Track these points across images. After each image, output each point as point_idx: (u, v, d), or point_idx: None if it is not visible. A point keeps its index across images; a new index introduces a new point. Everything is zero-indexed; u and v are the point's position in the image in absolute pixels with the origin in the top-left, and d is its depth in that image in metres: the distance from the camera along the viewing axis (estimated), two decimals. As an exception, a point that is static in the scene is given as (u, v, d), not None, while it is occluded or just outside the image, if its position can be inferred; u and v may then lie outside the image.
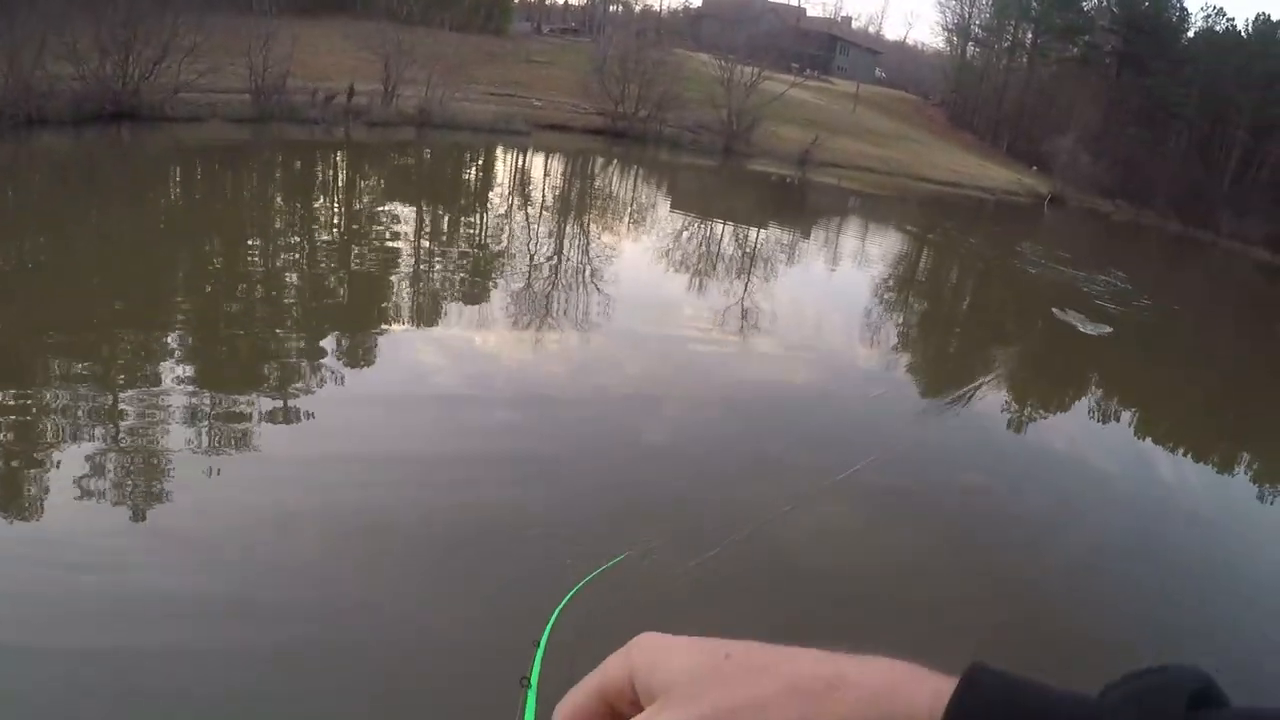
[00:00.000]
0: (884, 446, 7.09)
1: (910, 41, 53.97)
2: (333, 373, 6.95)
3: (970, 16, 49.74)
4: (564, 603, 2.41)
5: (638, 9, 49.30)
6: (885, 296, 14.96)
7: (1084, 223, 42.64)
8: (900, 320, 13.72)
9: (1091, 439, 9.32)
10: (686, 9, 54.68)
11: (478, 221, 15.37)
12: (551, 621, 2.14)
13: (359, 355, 7.60)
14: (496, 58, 38.51)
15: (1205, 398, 12.63)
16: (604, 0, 48.84)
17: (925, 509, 6.45)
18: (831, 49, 50.85)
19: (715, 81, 34.94)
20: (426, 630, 4.17)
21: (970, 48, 50.66)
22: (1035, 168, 45.13)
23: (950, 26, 48.51)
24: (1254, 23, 58.52)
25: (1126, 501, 7.56)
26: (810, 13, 49.55)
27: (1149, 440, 9.77)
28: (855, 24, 53.84)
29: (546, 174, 24.35)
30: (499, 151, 25.80)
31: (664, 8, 55.58)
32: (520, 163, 25.22)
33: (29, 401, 5.87)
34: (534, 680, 1.65)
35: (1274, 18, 58.69)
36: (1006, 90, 48.08)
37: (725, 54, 36.68)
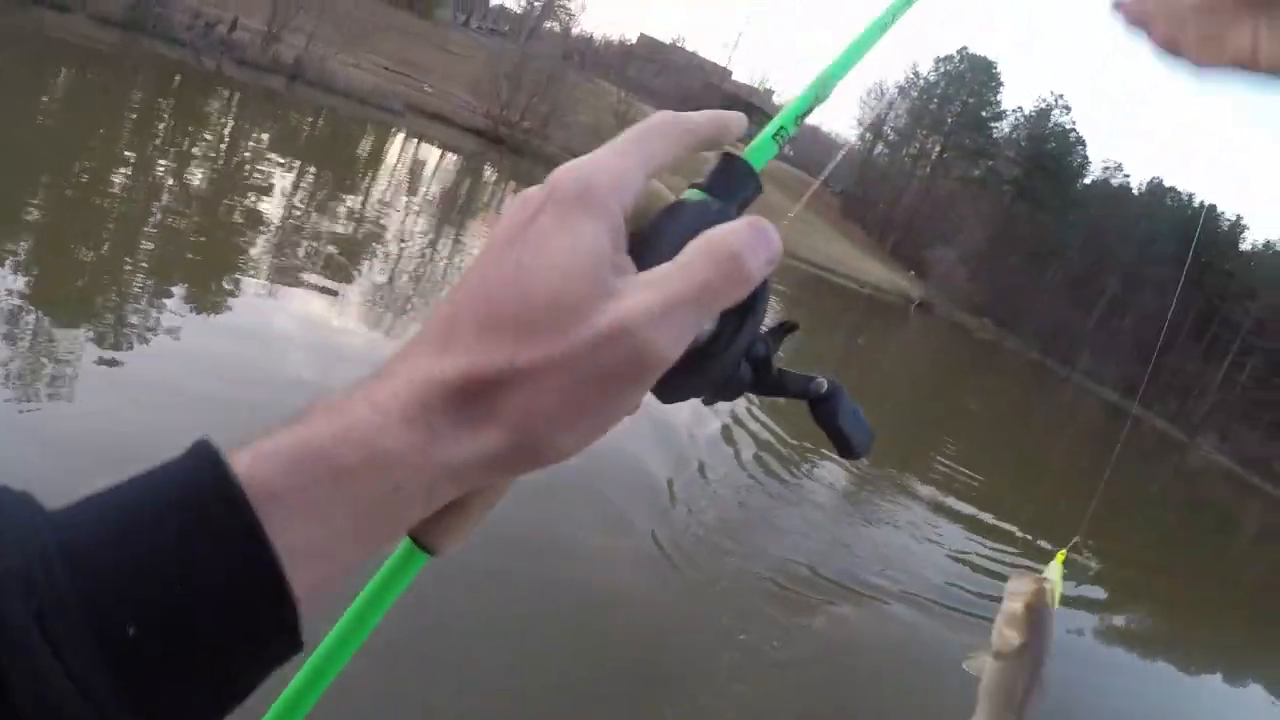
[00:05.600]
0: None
1: (825, 129, 55.73)
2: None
3: (887, 118, 51.67)
4: None
5: (575, 31, 49.87)
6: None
7: (947, 333, 44.20)
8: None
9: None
10: (621, 44, 55.63)
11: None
12: None
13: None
14: (410, 36, 37.52)
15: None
16: (540, 12, 49.25)
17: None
18: (748, 116, 52.08)
19: (609, 111, 35.07)
20: None
21: (880, 147, 52.53)
22: (913, 272, 46.63)
23: (865, 123, 50.31)
24: (1148, 184, 62.53)
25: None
26: (736, 76, 50.81)
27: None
28: (776, 99, 55.44)
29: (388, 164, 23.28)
30: (368, 129, 24.22)
31: (601, 38, 56.41)
32: (374, 145, 23.61)
33: None
34: None
35: (1166, 183, 62.67)
36: (904, 194, 49.85)
37: (642, 93, 36.78)
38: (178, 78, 19.39)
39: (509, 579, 4.68)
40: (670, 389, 0.35)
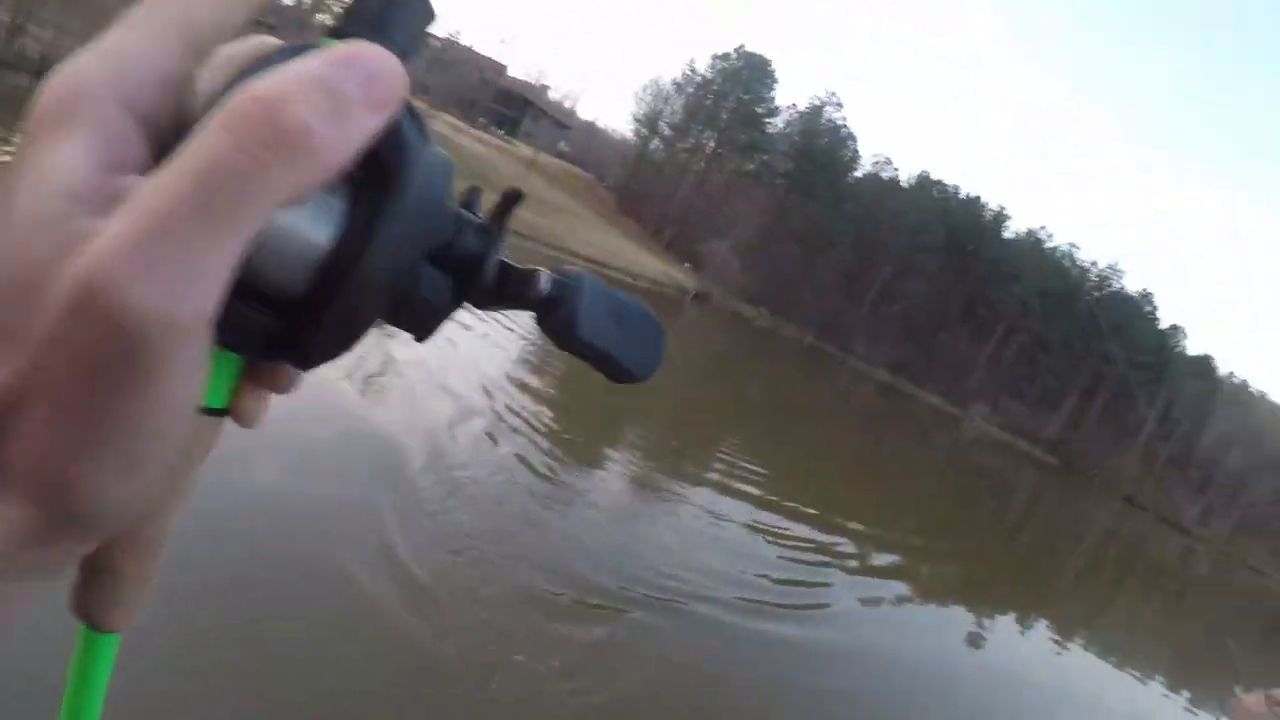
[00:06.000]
0: None
1: (601, 124, 55.93)
2: None
3: (661, 113, 52.08)
4: None
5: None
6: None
7: (725, 322, 44.89)
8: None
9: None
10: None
11: None
12: None
13: None
14: None
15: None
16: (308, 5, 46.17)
17: None
18: (524, 113, 51.27)
19: None
20: None
21: (654, 142, 52.91)
22: (689, 265, 47.04)
23: (641, 118, 50.54)
24: (916, 177, 66.66)
25: None
26: (511, 72, 49.74)
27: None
28: (552, 95, 55.03)
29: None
30: None
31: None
32: None
33: None
34: None
35: (933, 176, 67.06)
36: (679, 188, 50.35)
37: (417, 91, 34.83)
38: None
39: (204, 636, 3.30)
40: (297, 347, 0.23)
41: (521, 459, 6.83)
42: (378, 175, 0.21)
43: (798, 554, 7.83)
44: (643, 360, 0.27)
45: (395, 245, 0.22)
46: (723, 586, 6.12)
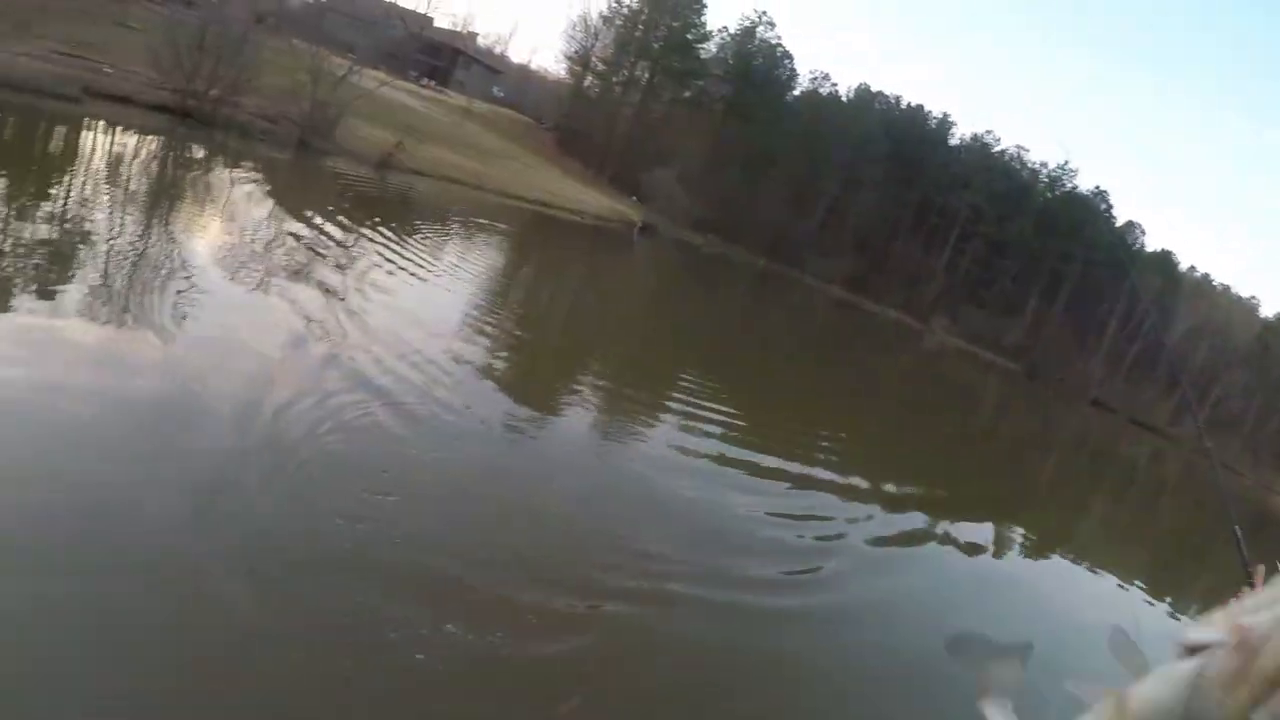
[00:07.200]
0: None
1: (534, 66, 55.11)
2: None
3: (592, 48, 51.51)
4: None
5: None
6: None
7: (674, 251, 45.08)
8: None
9: None
10: (316, 2, 52.10)
11: None
12: None
13: None
14: (87, 16, 33.41)
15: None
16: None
17: None
18: (454, 62, 50.52)
19: (302, 70, 32.41)
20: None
21: (589, 79, 52.41)
22: (635, 198, 47.04)
23: (572, 56, 49.96)
24: (855, 90, 66.59)
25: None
26: (438, 24, 48.83)
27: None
28: (481, 41, 54.19)
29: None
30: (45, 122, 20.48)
31: None
32: (55, 139, 20.01)
33: None
34: None
35: (873, 88, 67.01)
36: (617, 122, 50.06)
37: (342, 50, 33.95)
38: None
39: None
40: None
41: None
42: None
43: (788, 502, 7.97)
44: None
45: None
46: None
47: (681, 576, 5.23)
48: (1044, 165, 69.11)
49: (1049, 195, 69.61)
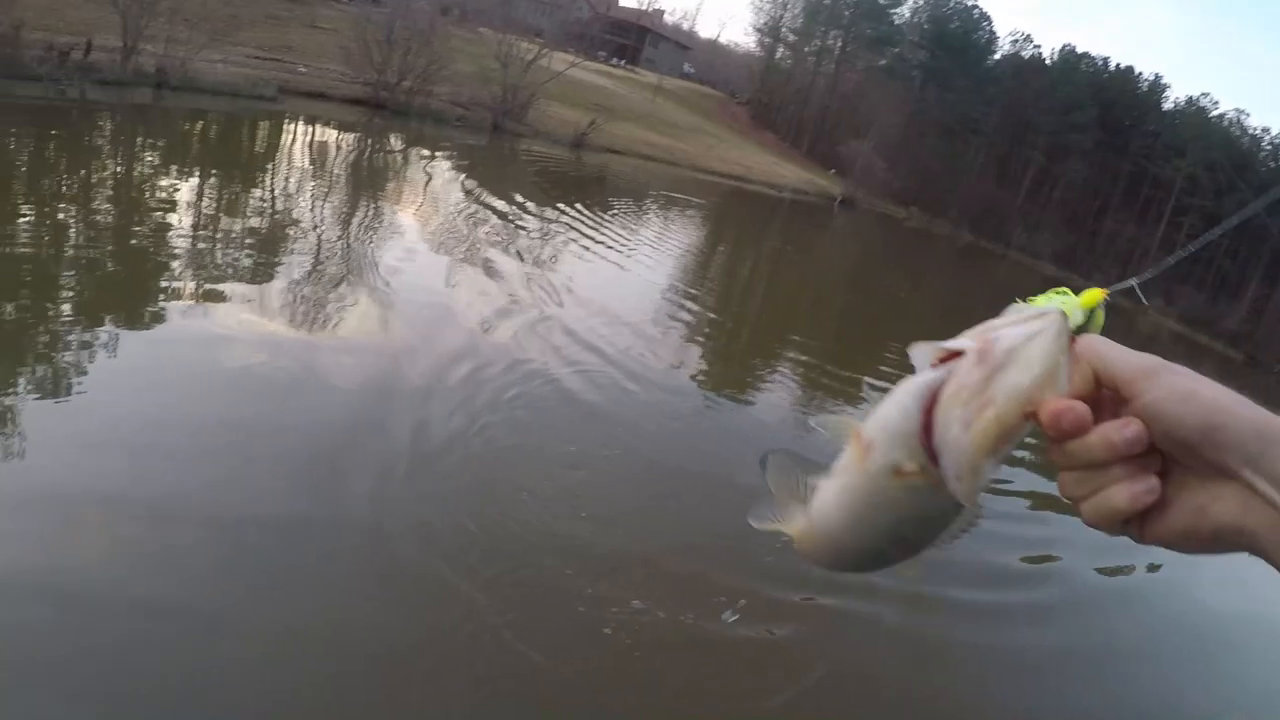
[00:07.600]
0: None
1: (723, 41, 53.76)
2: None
3: (782, 19, 49.81)
4: None
5: (445, -15, 47.13)
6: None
7: (875, 225, 42.89)
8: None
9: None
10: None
11: None
12: None
13: None
14: (280, 21, 35.79)
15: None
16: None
17: None
18: (642, 40, 50.09)
19: (490, 56, 32.98)
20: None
21: (780, 50, 50.70)
22: (833, 170, 45.11)
23: (761, 28, 48.45)
24: (1059, 51, 61.45)
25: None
26: (623, 3, 48.61)
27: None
28: (669, 19, 53.42)
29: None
30: (249, 121, 21.77)
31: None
32: (260, 135, 21.15)
33: None
34: None
35: (1079, 49, 61.62)
36: (811, 94, 48.14)
37: (529, 34, 34.55)
38: (45, 114, 17.06)
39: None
40: None
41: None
42: None
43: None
44: None
45: None
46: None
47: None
48: (1265, 131, 61.69)
49: (1272, 164, 62.25)
